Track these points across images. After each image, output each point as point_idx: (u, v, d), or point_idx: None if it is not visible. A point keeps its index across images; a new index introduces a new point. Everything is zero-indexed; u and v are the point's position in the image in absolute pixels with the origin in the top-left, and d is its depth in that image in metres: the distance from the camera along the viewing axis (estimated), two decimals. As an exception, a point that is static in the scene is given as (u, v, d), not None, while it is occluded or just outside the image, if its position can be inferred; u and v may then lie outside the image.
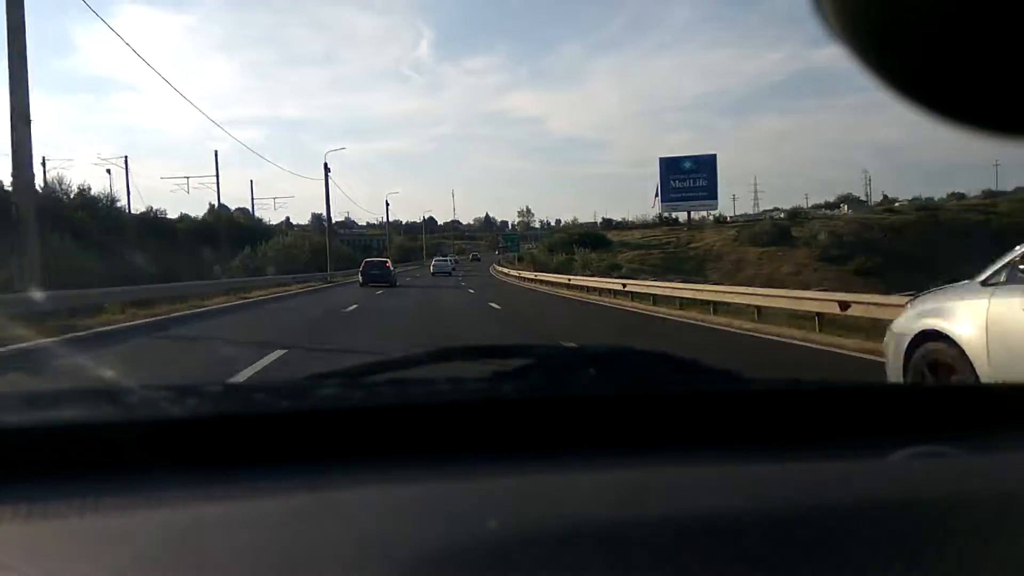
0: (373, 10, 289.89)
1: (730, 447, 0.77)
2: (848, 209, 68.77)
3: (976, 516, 0.56)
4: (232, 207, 57.59)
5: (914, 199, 70.54)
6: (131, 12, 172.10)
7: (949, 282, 4.67)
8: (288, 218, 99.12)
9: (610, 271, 37.18)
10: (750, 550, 0.50)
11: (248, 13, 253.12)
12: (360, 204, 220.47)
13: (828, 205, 78.21)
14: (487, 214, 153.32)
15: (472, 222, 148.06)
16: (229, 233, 36.18)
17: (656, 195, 69.59)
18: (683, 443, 0.78)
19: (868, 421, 0.84)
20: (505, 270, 48.73)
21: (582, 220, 69.23)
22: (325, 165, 37.86)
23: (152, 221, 33.36)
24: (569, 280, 27.03)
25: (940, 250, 46.19)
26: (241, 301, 20.32)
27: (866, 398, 0.92)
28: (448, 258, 55.65)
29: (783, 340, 10.36)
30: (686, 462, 0.70)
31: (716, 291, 15.48)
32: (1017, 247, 4.01)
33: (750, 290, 14.56)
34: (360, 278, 29.49)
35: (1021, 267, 3.87)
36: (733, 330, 11.90)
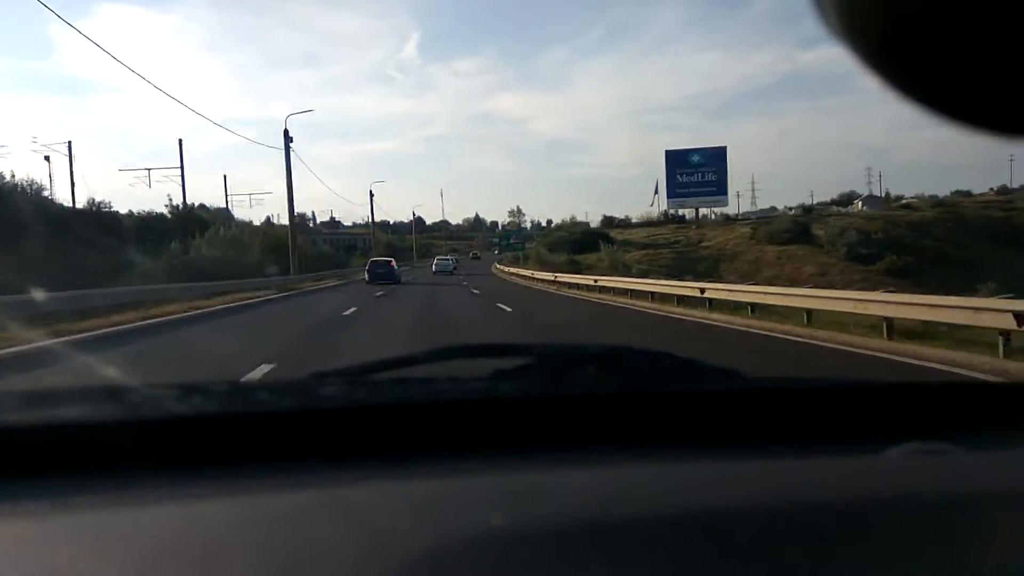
0: (360, 12, 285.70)
1: (729, 445, 0.77)
2: (863, 205, 65.29)
3: (975, 514, 0.56)
4: (210, 206, 52.20)
5: (915, 196, 67.44)
6: (112, 11, 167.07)
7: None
8: (269, 217, 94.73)
9: (616, 271, 33.52)
10: (749, 548, 0.50)
11: (232, 13, 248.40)
12: (353, 204, 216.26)
13: (835, 202, 74.70)
14: (476, 214, 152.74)
15: (461, 222, 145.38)
16: (188, 230, 30.08)
17: (655, 192, 66.24)
18: (683, 442, 0.78)
19: (867, 418, 0.85)
20: (509, 269, 44.95)
21: (567, 222, 65.36)
22: (285, 132, 29.67)
23: (91, 215, 27.94)
24: (596, 281, 23.22)
25: (970, 248, 43.27)
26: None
27: (864, 395, 0.93)
28: (450, 257, 55.28)
29: (883, 355, 8.11)
30: (685, 460, 0.71)
31: (846, 297, 11.76)
32: None
33: (877, 295, 11.40)
34: (366, 276, 31.41)
35: None
36: (798, 339, 9.87)
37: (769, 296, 12.92)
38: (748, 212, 70.69)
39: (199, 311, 15.79)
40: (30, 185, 26.80)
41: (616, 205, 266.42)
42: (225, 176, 77.56)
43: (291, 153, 28.66)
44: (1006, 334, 7.44)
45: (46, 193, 27.88)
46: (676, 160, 56.23)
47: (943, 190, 70.28)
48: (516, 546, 0.49)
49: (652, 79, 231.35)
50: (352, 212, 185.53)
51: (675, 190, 56.26)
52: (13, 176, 26.53)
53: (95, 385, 0.83)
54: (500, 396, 0.82)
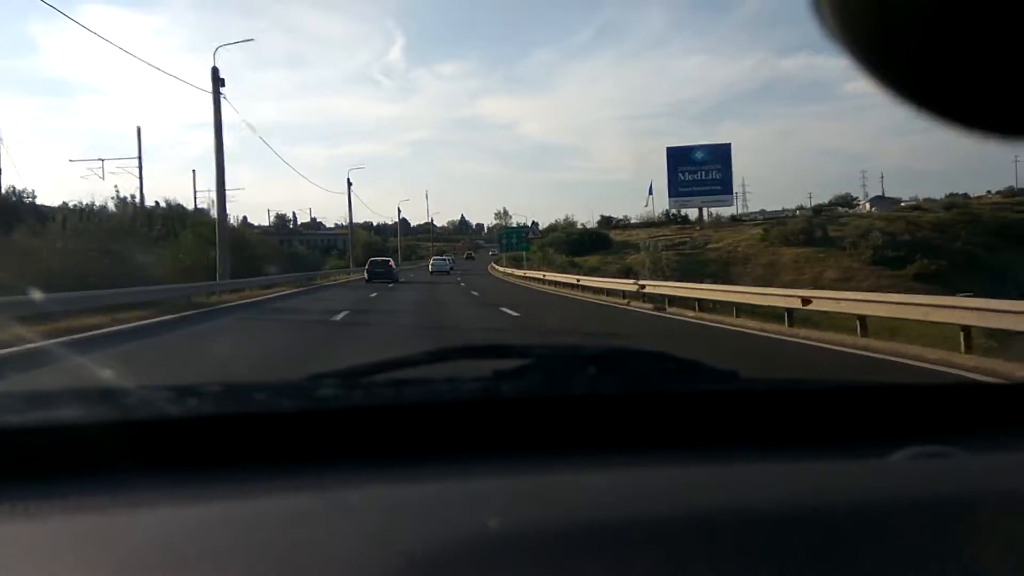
0: (345, 15, 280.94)
1: (730, 447, 0.77)
2: (871, 207, 62.32)
3: (977, 516, 0.55)
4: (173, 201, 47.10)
5: (911, 199, 64.55)
6: (97, 12, 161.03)
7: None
8: (245, 217, 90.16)
9: (626, 275, 29.35)
10: (750, 550, 0.50)
11: (216, 15, 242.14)
12: (331, 193, 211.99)
13: (835, 204, 71.72)
14: (463, 216, 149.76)
15: (447, 224, 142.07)
16: (135, 227, 22.72)
17: (650, 193, 63.00)
18: (683, 443, 0.78)
19: (869, 421, 0.84)
20: (509, 270, 41.11)
21: (560, 222, 61.25)
22: (214, 72, 20.84)
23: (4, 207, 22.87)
24: (642, 287, 17.37)
25: (997, 250, 40.45)
26: None
27: (866, 398, 0.93)
28: (446, 257, 55.15)
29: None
30: (686, 462, 0.70)
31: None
32: None
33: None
34: (365, 275, 32.36)
35: None
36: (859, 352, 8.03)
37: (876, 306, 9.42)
38: (745, 213, 67.43)
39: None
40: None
41: (604, 208, 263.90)
42: (194, 172, 69.86)
43: (221, 98, 21.00)
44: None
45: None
46: (678, 157, 52.85)
47: (923, 194, 67.50)
48: (515, 548, 0.49)
49: (639, 83, 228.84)
50: (333, 212, 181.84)
51: (677, 189, 52.85)
52: None
53: (91, 387, 0.83)
54: (499, 397, 0.81)
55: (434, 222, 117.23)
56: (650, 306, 15.83)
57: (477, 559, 0.48)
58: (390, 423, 0.75)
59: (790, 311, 11.05)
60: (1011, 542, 0.52)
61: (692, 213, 55.49)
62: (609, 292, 19.95)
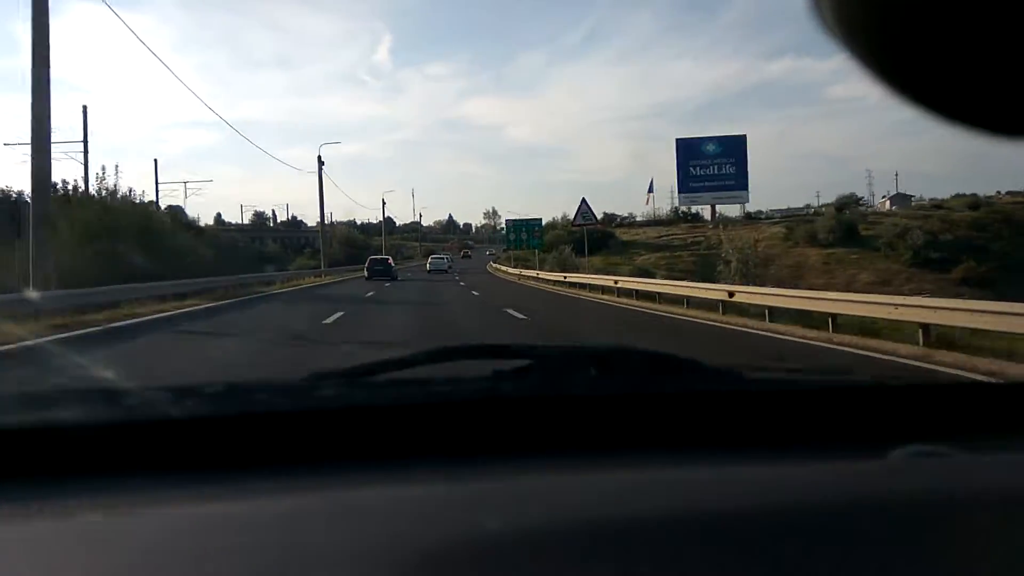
0: (332, 14, 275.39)
1: (730, 447, 0.77)
2: (891, 205, 58.82)
3: (976, 516, 0.55)
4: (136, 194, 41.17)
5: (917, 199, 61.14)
6: (82, 10, 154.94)
7: None
8: (220, 214, 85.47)
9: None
10: (750, 550, 0.50)
11: (202, 14, 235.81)
12: (303, 170, 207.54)
13: (836, 204, 68.25)
14: (450, 216, 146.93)
15: (434, 224, 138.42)
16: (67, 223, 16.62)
17: (650, 191, 59.39)
18: (683, 443, 0.78)
19: (868, 420, 0.84)
20: (517, 271, 36.70)
21: (559, 220, 56.81)
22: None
23: None
24: (731, 296, 13.02)
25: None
26: None
27: (865, 397, 0.92)
28: (444, 256, 53.35)
29: None
30: (686, 462, 0.70)
31: None
32: None
33: None
34: (366, 273, 33.29)
35: None
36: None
37: None
38: (758, 212, 63.67)
39: None
40: None
41: (596, 208, 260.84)
42: (156, 160, 53.66)
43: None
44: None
45: None
46: (689, 150, 49.08)
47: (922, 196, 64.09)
48: (515, 549, 0.49)
49: (628, 85, 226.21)
50: (316, 209, 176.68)
51: (688, 184, 49.06)
52: None
53: (92, 387, 0.82)
54: (500, 397, 0.81)
55: (421, 220, 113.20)
56: (743, 320, 11.74)
57: (478, 559, 0.47)
58: (391, 423, 0.74)
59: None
60: (1010, 542, 0.52)
61: (701, 210, 51.82)
62: (689, 301, 14.59)
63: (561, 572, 0.47)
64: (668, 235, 47.09)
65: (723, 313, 12.73)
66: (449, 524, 0.52)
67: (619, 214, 60.12)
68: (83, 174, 29.20)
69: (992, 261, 33.53)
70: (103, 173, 26.81)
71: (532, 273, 32.61)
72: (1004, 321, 7.47)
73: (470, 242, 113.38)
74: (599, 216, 35.78)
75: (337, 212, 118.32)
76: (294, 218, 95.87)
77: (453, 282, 30.58)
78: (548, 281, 28.15)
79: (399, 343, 8.43)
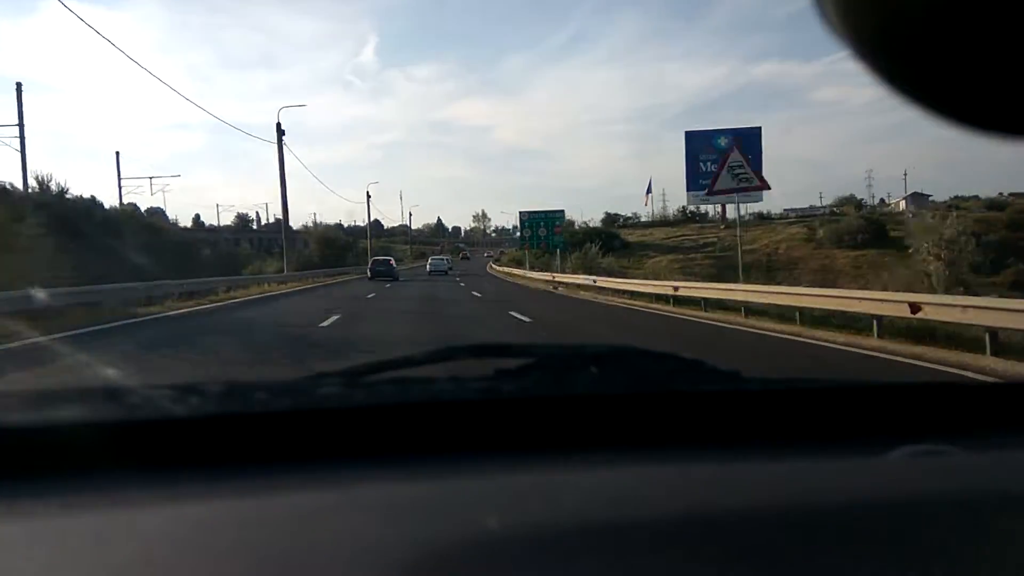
0: (317, 15, 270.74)
1: (730, 446, 0.77)
2: (907, 205, 55.91)
3: (976, 515, 0.55)
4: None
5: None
6: (57, 9, 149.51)
7: None
8: (198, 215, 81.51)
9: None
10: (750, 549, 0.50)
11: (185, 14, 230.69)
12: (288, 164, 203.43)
13: (837, 205, 65.42)
14: (439, 218, 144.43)
15: (423, 227, 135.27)
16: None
17: (648, 191, 56.33)
18: (684, 442, 0.78)
19: (868, 420, 0.84)
20: (533, 274, 33.33)
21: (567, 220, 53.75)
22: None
23: None
24: (916, 308, 8.91)
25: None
26: None
27: (866, 397, 0.92)
28: (444, 257, 52.97)
29: None
30: (687, 461, 0.70)
31: None
32: None
33: None
34: (368, 273, 34.99)
35: None
36: None
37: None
38: (751, 214, 60.50)
39: None
40: None
41: (589, 210, 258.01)
42: (117, 153, 47.15)
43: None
44: None
45: None
46: (699, 144, 46.08)
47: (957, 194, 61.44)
48: (517, 547, 0.49)
49: (614, 87, 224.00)
50: (303, 209, 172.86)
51: (698, 181, 45.91)
52: None
53: (93, 386, 0.82)
54: (501, 396, 0.81)
55: (411, 220, 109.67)
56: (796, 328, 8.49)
57: (479, 558, 0.47)
58: (392, 422, 0.74)
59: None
60: (1010, 541, 0.52)
61: (709, 210, 48.74)
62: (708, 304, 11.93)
63: (562, 570, 0.47)
64: (678, 236, 44.00)
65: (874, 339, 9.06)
66: (451, 522, 0.52)
67: (623, 214, 56.93)
68: (21, 163, 25.34)
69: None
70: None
71: (547, 276, 29.33)
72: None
73: (461, 244, 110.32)
74: (599, 217, 32.29)
75: (328, 217, 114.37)
76: (278, 219, 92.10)
77: (463, 289, 24.92)
78: (570, 285, 24.77)
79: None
